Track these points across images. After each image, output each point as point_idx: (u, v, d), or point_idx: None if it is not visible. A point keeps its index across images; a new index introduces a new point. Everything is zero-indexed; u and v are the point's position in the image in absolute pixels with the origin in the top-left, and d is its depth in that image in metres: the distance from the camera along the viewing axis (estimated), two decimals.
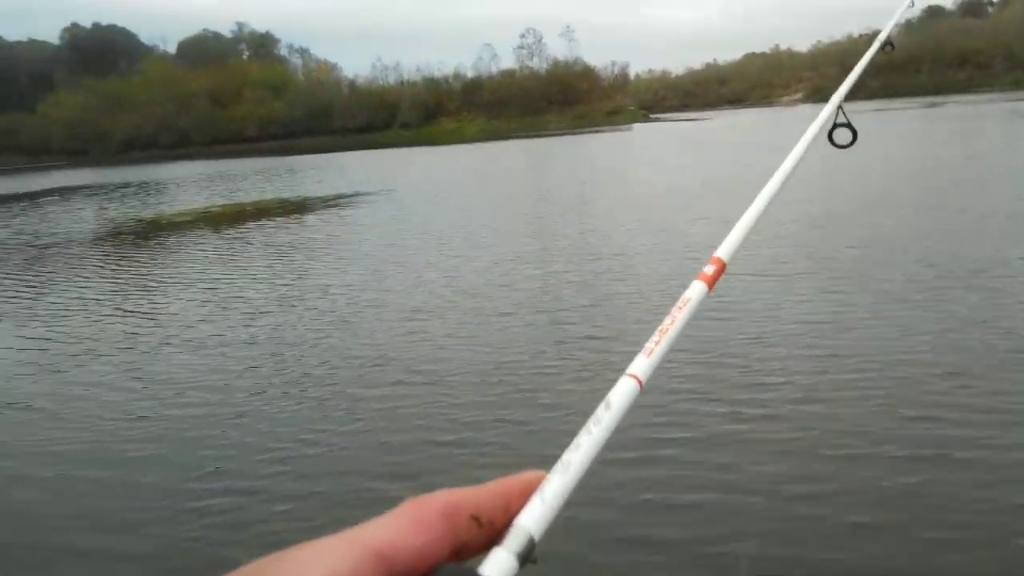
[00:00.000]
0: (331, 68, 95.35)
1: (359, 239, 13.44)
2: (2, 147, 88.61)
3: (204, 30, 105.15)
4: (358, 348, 6.87)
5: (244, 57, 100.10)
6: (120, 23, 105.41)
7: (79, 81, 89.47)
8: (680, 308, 0.58)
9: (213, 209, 21.29)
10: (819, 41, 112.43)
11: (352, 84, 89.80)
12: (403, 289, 9.13)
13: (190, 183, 33.12)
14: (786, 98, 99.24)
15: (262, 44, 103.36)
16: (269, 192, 25.31)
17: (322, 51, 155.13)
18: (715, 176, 18.89)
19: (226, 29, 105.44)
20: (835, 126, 1.55)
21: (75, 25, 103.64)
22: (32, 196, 32.18)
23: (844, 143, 1.56)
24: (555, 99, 76.28)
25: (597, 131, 54.92)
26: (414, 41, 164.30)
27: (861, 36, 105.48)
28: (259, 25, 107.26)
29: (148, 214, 21.31)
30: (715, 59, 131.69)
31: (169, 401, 5.89)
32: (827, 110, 1.51)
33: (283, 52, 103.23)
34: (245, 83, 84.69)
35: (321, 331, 7.51)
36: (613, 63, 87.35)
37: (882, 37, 1.88)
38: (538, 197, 18.14)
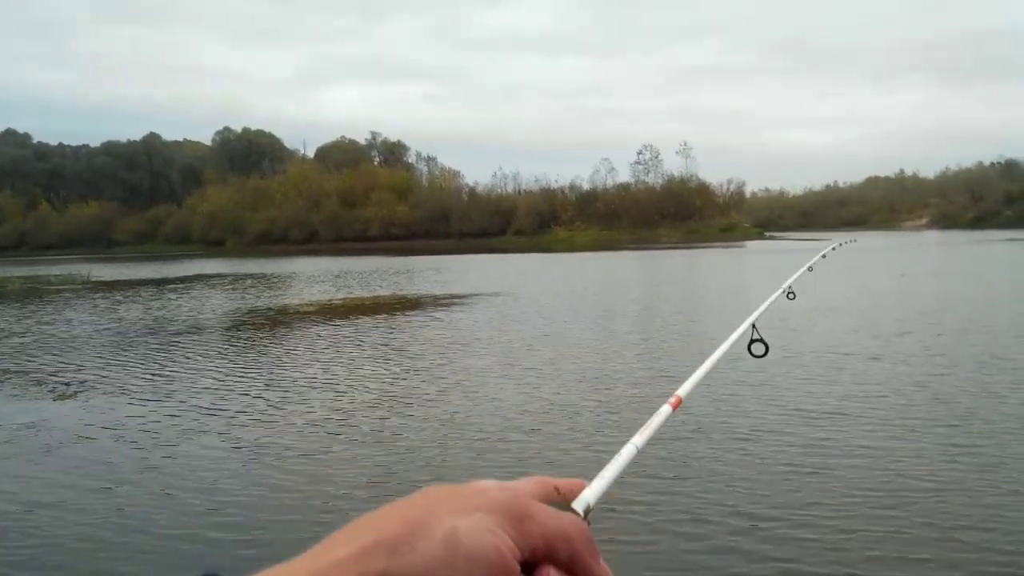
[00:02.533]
0: (454, 175, 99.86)
1: (468, 337, 13.90)
2: (149, 236, 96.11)
3: (342, 137, 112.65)
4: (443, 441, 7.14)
5: (375, 162, 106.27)
6: (267, 129, 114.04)
7: (225, 178, 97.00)
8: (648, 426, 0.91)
9: (334, 302, 22.45)
10: (947, 168, 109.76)
11: (472, 191, 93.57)
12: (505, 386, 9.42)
13: (316, 276, 34.98)
14: (910, 223, 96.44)
15: (392, 151, 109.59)
16: (387, 288, 26.49)
17: (448, 158, 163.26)
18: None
19: (362, 137, 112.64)
20: (752, 341, 1.99)
21: (227, 129, 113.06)
22: (173, 281, 34.69)
23: (759, 354, 2.02)
24: (668, 213, 76.95)
25: (709, 246, 54.78)
26: (535, 153, 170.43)
27: (992, 164, 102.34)
28: (392, 134, 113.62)
29: (276, 303, 22.65)
30: (835, 181, 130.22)
31: (270, 478, 6.30)
32: (743, 327, 1.99)
33: (411, 159, 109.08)
34: (373, 186, 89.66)
35: (424, 419, 7.85)
36: (729, 180, 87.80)
37: (785, 286, 2.44)
38: (642, 309, 18.28)
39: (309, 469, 6.41)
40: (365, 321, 17.03)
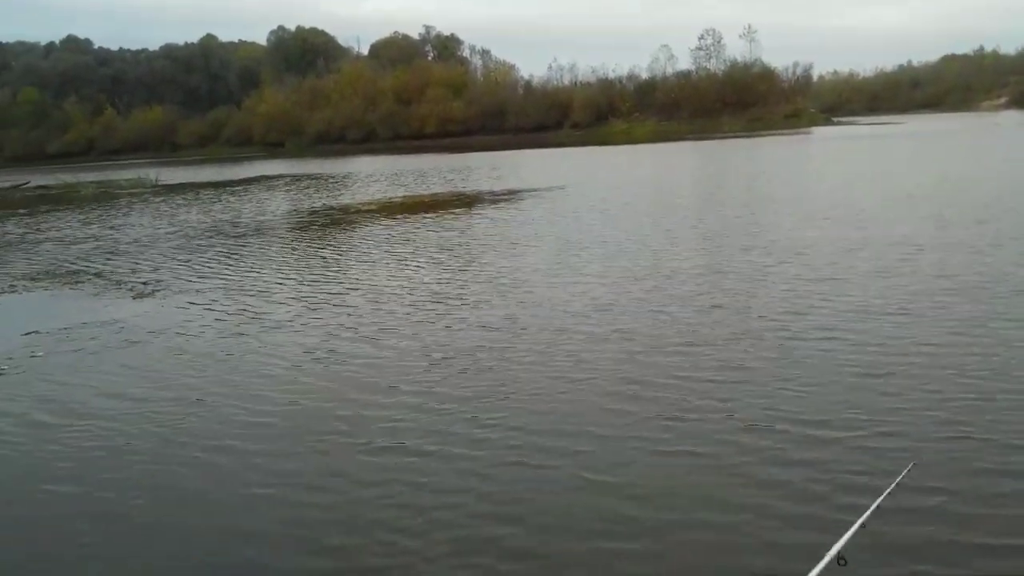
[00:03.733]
0: (509, 69, 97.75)
1: (526, 233, 14.05)
2: (210, 139, 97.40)
3: (395, 33, 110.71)
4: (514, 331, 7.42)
5: (429, 58, 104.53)
6: (320, 27, 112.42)
7: (281, 79, 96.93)
8: None
9: (395, 199, 22.78)
10: None
11: (528, 85, 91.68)
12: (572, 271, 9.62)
13: (374, 175, 35.30)
14: (988, 103, 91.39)
15: (446, 46, 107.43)
16: (445, 186, 26.67)
17: (502, 52, 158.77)
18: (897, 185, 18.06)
19: (415, 32, 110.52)
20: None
21: (281, 28, 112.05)
22: (234, 184, 35.47)
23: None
24: (730, 101, 74.39)
25: (773, 134, 53.13)
26: (591, 44, 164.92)
27: None
28: (445, 28, 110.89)
29: (337, 203, 23.09)
30: (909, 61, 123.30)
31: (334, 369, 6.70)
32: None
33: (465, 53, 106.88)
34: (428, 83, 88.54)
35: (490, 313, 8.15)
36: (795, 64, 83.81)
37: (833, 552, 2.14)
38: (701, 202, 18.09)
39: (370, 364, 6.72)
40: (425, 219, 17.30)
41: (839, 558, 2.06)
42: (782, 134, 52.96)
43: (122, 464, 4.91)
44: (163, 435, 5.32)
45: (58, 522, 4.25)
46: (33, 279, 12.26)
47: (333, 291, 9.79)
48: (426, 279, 10.13)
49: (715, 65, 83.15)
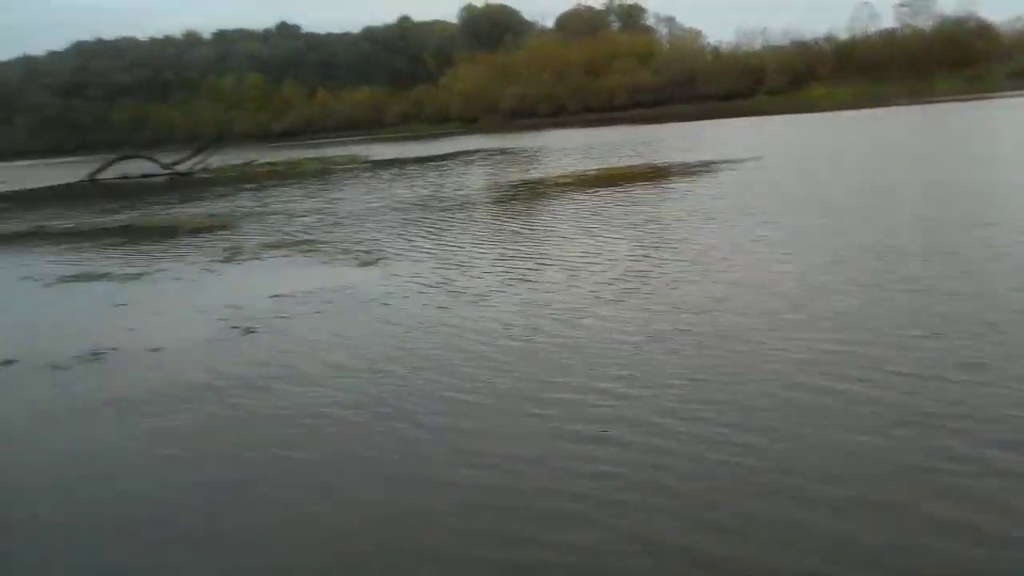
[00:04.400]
0: (696, 35, 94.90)
1: (722, 207, 14.04)
2: (412, 116, 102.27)
3: (578, 4, 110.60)
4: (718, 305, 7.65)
5: (614, 28, 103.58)
6: (506, 2, 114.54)
7: (473, 56, 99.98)
8: None
9: (588, 172, 23.25)
10: None
11: (716, 51, 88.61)
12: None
13: (567, 149, 35.92)
14: None
15: (630, 15, 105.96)
16: (637, 158, 26.77)
17: (688, 19, 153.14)
18: None
19: (598, 2, 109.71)
20: None
21: (470, 5, 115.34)
22: (435, 159, 37.34)
23: None
24: (944, 61, 67.87)
25: (994, 97, 48.15)
26: (781, 5, 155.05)
27: None
28: None
29: (531, 175, 23.91)
30: None
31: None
32: None
33: (650, 22, 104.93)
34: (615, 53, 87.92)
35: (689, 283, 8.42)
36: (1017, 18, 74.71)
37: None
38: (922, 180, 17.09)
39: (568, 344, 7.12)
40: (617, 192, 17.60)
41: None
42: (1006, 96, 47.85)
43: (332, 434, 5.28)
44: (376, 405, 5.73)
45: (260, 487, 4.68)
46: (272, 247, 13.83)
47: (529, 266, 10.17)
48: (622, 255, 10.33)
49: (923, 22, 75.96)
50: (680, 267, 9.24)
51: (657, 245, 10.79)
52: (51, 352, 7.65)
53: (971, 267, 8.04)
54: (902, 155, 20.99)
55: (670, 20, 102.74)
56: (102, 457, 5.29)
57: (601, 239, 11.66)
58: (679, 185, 17.81)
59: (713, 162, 22.02)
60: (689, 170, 20.76)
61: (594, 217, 13.99)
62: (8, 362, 7.46)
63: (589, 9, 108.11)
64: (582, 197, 17.29)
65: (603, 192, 17.78)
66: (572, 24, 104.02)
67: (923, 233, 10.13)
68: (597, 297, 8.19)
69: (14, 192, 37.60)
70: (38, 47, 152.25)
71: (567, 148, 36.32)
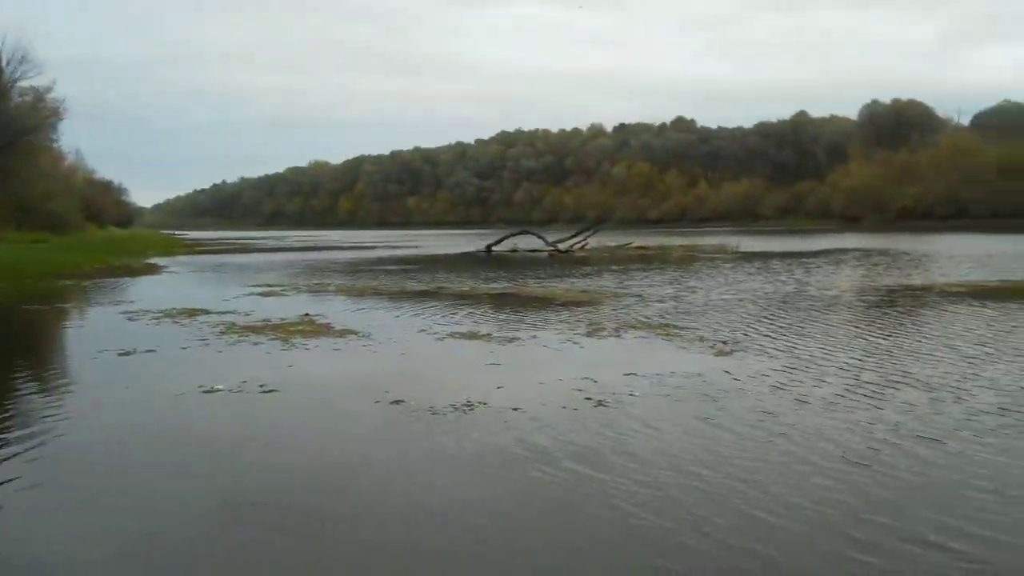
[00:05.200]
0: None
1: None
2: (790, 211, 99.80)
3: (1005, 100, 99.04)
4: None
5: None
6: (919, 98, 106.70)
7: (869, 153, 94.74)
8: None
9: (987, 284, 20.65)
10: None
11: None
12: None
13: (963, 255, 32.25)
14: None
15: None
16: None
17: None
18: None
19: None
20: None
21: (875, 102, 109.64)
22: (805, 255, 35.94)
23: None
24: None
25: None
26: None
27: None
28: None
29: (911, 282, 21.87)
30: None
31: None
32: None
33: None
34: None
35: None
36: None
37: None
38: None
39: (916, 478, 6.48)
40: (1020, 309, 15.43)
41: None
42: None
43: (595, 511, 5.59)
44: (715, 485, 5.89)
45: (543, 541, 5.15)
46: (632, 326, 14.43)
47: (884, 382, 9.37)
48: (1002, 383, 9.06)
49: None
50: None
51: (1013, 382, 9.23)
52: (433, 399, 8.83)
53: None
54: None
55: None
56: (447, 492, 6.05)
57: (978, 362, 10.37)
58: None
59: None
60: None
61: (975, 335, 12.50)
62: (397, 401, 8.80)
63: (1016, 105, 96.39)
64: (968, 312, 15.43)
65: (996, 308, 15.68)
66: (992, 121, 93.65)
67: None
68: (953, 429, 7.20)
69: (427, 256, 44.03)
70: (469, 136, 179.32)
71: (964, 255, 32.57)
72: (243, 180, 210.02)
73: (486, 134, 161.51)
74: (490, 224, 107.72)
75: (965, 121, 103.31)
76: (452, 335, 13.91)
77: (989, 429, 7.11)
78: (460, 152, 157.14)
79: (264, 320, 15.65)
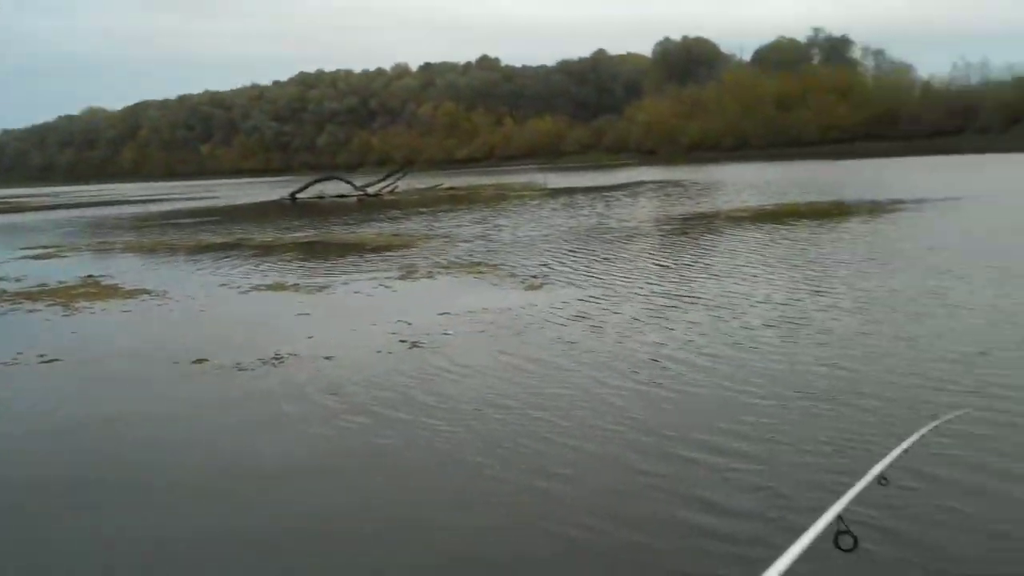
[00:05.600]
0: (905, 70, 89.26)
1: (902, 248, 13.21)
2: (591, 146, 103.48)
3: (780, 37, 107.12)
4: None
5: (815, 61, 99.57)
6: (705, 35, 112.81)
7: (663, 89, 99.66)
8: None
9: (765, 208, 22.53)
10: None
11: (927, 86, 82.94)
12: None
13: (747, 183, 34.96)
14: None
15: (835, 48, 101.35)
16: (822, 195, 25.61)
17: (900, 51, 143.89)
18: None
19: (803, 35, 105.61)
20: (839, 532, 1.70)
21: (666, 39, 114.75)
22: (608, 189, 37.49)
23: (847, 548, 1.68)
24: None
25: None
26: (1011, 39, 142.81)
27: None
28: (836, 30, 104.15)
29: (702, 209, 23.49)
30: None
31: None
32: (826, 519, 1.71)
33: (857, 55, 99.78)
34: (810, 88, 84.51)
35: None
36: None
37: (875, 472, 2.05)
38: None
39: (705, 387, 6.96)
40: (792, 229, 16.99)
41: (880, 478, 2.13)
42: None
43: (481, 447, 5.53)
44: (527, 415, 6.04)
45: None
46: (445, 267, 14.46)
47: (675, 304, 9.96)
48: (775, 299, 9.82)
49: None
50: (827, 318, 8.60)
51: (814, 290, 10.25)
52: (240, 354, 8.42)
53: None
54: None
55: (879, 53, 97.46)
56: (250, 433, 5.86)
57: (756, 280, 11.24)
58: (858, 225, 16.89)
59: (903, 201, 20.68)
60: (875, 208, 19.63)
61: (756, 255, 13.58)
62: (200, 360, 8.30)
63: (791, 41, 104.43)
64: (750, 234, 16.81)
65: (774, 229, 17.20)
66: (770, 56, 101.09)
67: None
68: (738, 340, 7.90)
69: (225, 207, 41.66)
70: (267, 78, 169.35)
71: (747, 183, 35.36)
72: (5, 132, 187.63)
73: (284, 76, 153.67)
74: (294, 171, 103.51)
75: (747, 57, 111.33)
76: (257, 288, 13.29)
77: (764, 341, 7.76)
78: (256, 95, 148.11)
79: (40, 285, 14.19)
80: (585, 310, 9.78)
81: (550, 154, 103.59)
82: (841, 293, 9.81)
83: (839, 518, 1.79)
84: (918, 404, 5.65)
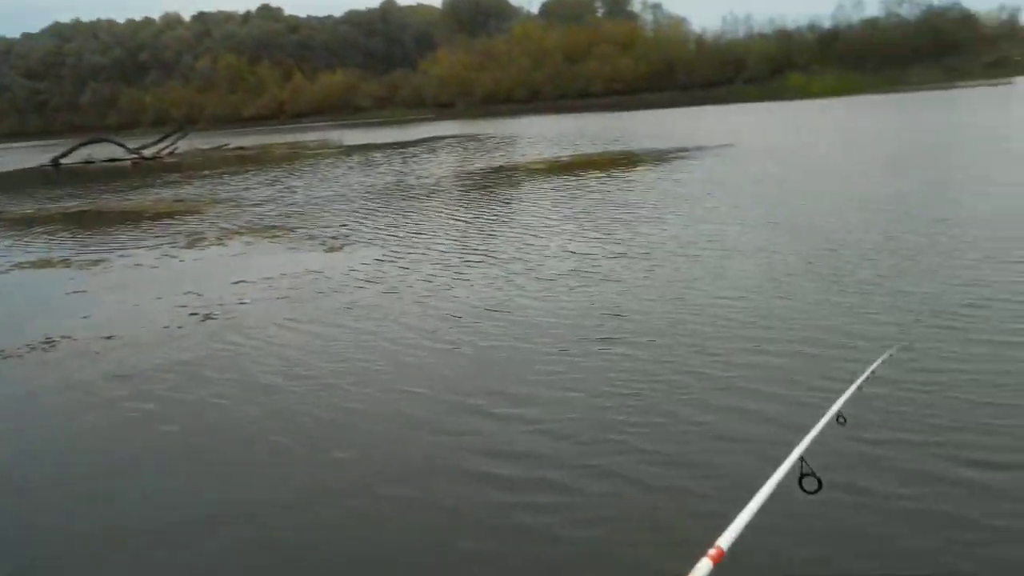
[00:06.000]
0: (679, 23, 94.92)
1: (686, 195, 14.06)
2: (387, 100, 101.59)
3: None
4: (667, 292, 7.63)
5: (599, 14, 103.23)
6: None
7: (454, 41, 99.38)
8: None
9: (563, 158, 23.18)
10: None
11: (700, 38, 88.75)
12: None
13: (542, 135, 35.77)
14: None
15: (616, 1, 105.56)
16: (610, 144, 26.73)
17: (675, 5, 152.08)
18: None
19: None
20: (802, 475, 1.76)
21: None
22: (407, 144, 37.07)
23: (811, 489, 1.74)
24: (923, 50, 68.44)
25: (969, 86, 48.68)
26: None
27: None
28: None
29: (500, 163, 23.79)
30: None
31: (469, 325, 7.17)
32: (789, 461, 1.75)
33: (636, 8, 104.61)
34: (595, 40, 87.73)
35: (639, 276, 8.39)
36: (1001, 8, 75.63)
37: (832, 411, 2.09)
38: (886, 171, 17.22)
39: (501, 333, 7.12)
40: (585, 179, 17.58)
41: (838, 416, 2.16)
42: (978, 86, 48.40)
43: (279, 411, 5.43)
44: (326, 384, 5.88)
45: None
46: (237, 233, 13.66)
47: (471, 259, 9.95)
48: (572, 247, 10.17)
49: (908, 11, 76.54)
50: (613, 264, 8.95)
51: (601, 238, 10.56)
52: (2, 340, 7.50)
53: (929, 262, 8.13)
54: (858, 143, 21.14)
55: (656, 7, 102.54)
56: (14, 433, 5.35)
57: (550, 232, 11.40)
58: (647, 174, 17.79)
59: (685, 149, 22.05)
60: (661, 157, 20.76)
61: (552, 208, 13.86)
62: None
63: None
64: (546, 186, 17.23)
65: (569, 180, 17.72)
66: (557, 10, 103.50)
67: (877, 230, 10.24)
68: (538, 288, 8.09)
69: None
70: (15, 30, 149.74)
71: (540, 135, 36.18)
72: None
73: (35, 27, 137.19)
74: (54, 134, 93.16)
75: (535, 9, 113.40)
76: (18, 266, 11.90)
77: (555, 294, 7.86)
78: (3, 49, 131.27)
79: None
80: (386, 271, 9.59)
81: (344, 110, 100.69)
82: (632, 241, 10.19)
83: (802, 459, 1.79)
84: (704, 342, 6.05)
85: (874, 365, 2.82)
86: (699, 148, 22.01)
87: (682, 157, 20.30)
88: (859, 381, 2.54)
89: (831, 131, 26.89)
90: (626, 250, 9.62)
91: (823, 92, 55.96)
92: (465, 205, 15.41)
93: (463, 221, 13.19)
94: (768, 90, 63.61)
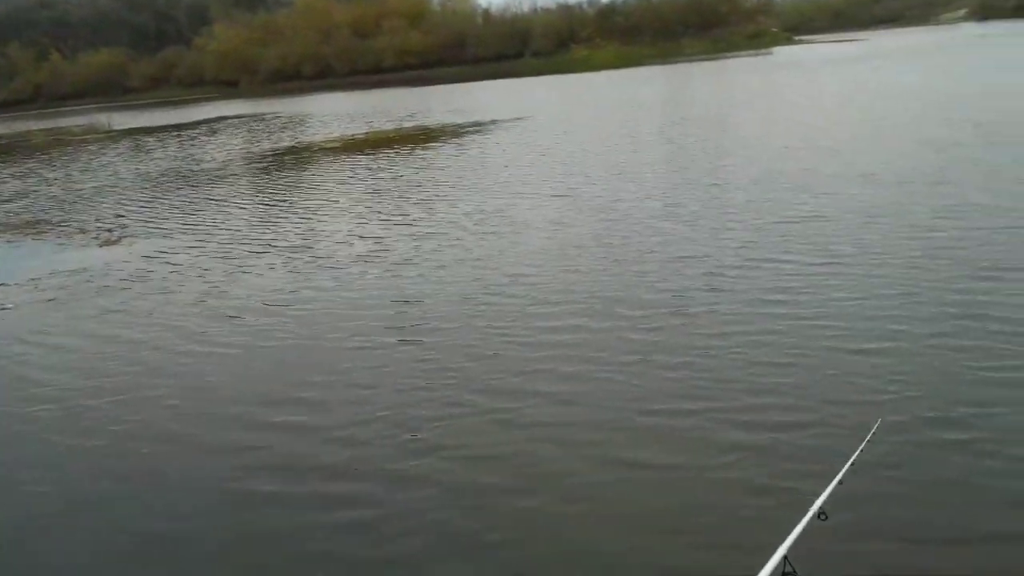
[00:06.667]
0: None
1: (482, 169, 14.14)
2: (162, 80, 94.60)
3: None
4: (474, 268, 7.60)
5: None
6: None
7: (231, 15, 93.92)
8: None
9: (357, 136, 22.55)
10: None
11: (487, 13, 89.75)
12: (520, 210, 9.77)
13: (335, 113, 34.69)
14: (947, 15, 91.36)
15: None
16: (407, 121, 26.37)
17: None
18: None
19: None
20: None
21: None
22: (188, 126, 34.75)
23: None
24: (692, 23, 73.57)
25: (734, 56, 52.97)
26: None
27: None
28: None
29: (290, 143, 22.81)
30: None
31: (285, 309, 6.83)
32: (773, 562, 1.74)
33: None
34: (384, 14, 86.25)
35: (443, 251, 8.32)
36: None
37: (814, 508, 2.07)
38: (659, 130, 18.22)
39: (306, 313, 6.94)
40: (379, 157, 17.25)
41: (820, 513, 2.08)
42: (742, 55, 52.74)
43: (74, 414, 5.12)
44: (117, 384, 5.57)
45: None
46: None
47: (253, 249, 9.45)
48: (363, 230, 9.80)
49: None
50: (406, 246, 8.70)
51: (393, 219, 10.33)
52: None
53: (707, 222, 8.63)
54: (642, 107, 22.33)
55: None
56: None
57: (343, 215, 11.03)
58: (444, 148, 17.73)
59: (480, 123, 22.19)
60: (458, 131, 20.75)
61: (343, 188, 13.47)
62: None
63: None
64: (338, 166, 16.68)
65: (363, 159, 17.31)
66: None
67: (662, 193, 10.80)
68: (308, 285, 7.63)
69: None
70: None
71: (332, 113, 35.12)
72: None
73: None
74: None
75: None
76: None
77: (345, 283, 7.51)
78: None
79: None
80: (157, 268, 8.89)
81: (114, 91, 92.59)
82: (425, 221, 9.98)
83: (785, 559, 1.76)
84: (504, 323, 6.04)
85: (854, 456, 2.50)
86: (493, 122, 22.22)
87: (477, 131, 20.40)
88: (840, 474, 2.35)
89: (617, 102, 28.10)
90: (420, 231, 9.40)
91: (606, 64, 58.55)
92: (249, 191, 14.49)
93: (246, 208, 12.44)
94: (554, 63, 65.64)
